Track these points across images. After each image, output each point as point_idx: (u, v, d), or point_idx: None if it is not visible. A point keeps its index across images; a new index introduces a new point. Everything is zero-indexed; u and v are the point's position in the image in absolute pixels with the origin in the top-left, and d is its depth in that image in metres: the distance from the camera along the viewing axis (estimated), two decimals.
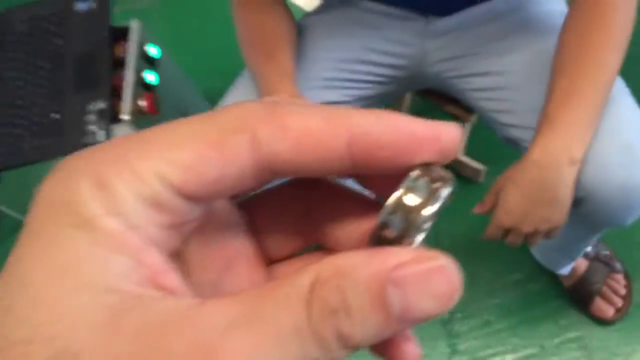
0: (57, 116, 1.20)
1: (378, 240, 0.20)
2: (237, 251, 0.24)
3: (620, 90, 0.89)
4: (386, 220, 0.19)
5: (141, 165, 0.19)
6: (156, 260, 0.19)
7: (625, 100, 0.89)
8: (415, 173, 0.20)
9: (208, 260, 0.24)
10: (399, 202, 0.19)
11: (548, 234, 0.89)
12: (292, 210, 0.25)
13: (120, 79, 1.24)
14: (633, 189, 0.85)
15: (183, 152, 0.19)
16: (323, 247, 0.25)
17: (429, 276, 0.17)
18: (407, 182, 0.20)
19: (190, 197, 0.20)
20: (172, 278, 0.19)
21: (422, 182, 0.19)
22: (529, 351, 1.33)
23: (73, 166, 0.19)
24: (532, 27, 0.99)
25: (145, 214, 0.19)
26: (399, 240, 0.19)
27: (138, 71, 1.27)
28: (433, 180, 0.20)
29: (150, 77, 1.29)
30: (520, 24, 0.99)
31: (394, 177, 0.20)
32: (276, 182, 0.23)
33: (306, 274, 0.18)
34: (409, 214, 0.19)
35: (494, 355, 1.33)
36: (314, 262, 0.18)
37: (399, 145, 0.20)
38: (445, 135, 0.20)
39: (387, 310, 0.17)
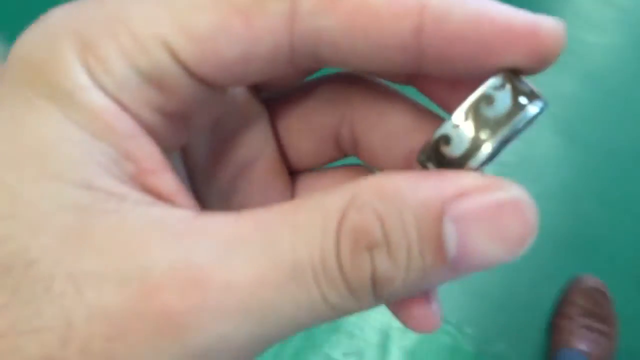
0: None
1: (432, 158, 0.16)
2: (255, 153, 0.20)
3: None
4: (450, 133, 0.15)
5: (144, 27, 0.14)
6: (148, 153, 0.15)
7: None
8: (497, 79, 0.15)
9: (218, 163, 0.20)
10: (473, 111, 0.15)
11: None
12: (325, 113, 0.20)
13: None
14: None
15: (201, 16, 0.14)
16: (362, 163, 0.21)
17: (498, 211, 0.14)
18: (485, 89, 0.15)
19: (204, 79, 0.15)
20: (165, 180, 0.15)
21: (506, 92, 0.15)
22: None
23: (57, 22, 0.15)
24: None
25: (142, 92, 0.15)
26: (461, 162, 0.15)
27: None
28: (519, 93, 0.15)
29: None
30: None
31: (468, 85, 0.16)
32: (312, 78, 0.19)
33: (338, 194, 0.14)
34: (479, 131, 0.15)
35: None
36: (349, 180, 0.15)
37: (486, 38, 0.15)
38: (545, 31, 0.15)
39: (441, 251, 0.14)
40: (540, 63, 0.15)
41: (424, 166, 0.16)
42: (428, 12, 0.15)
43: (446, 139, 0.15)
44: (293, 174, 0.22)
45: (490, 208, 0.14)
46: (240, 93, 0.19)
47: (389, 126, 0.19)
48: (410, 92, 0.20)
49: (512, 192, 0.14)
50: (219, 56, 0.15)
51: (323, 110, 0.20)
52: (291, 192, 0.22)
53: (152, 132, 0.15)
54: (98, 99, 0.14)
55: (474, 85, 0.15)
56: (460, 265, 0.14)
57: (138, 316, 0.13)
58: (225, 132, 0.20)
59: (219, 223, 0.14)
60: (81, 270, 0.13)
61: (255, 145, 0.20)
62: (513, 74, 0.15)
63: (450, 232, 0.14)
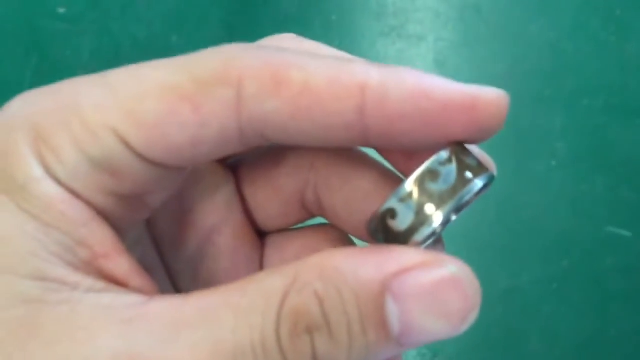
0: None
1: (380, 230, 0.16)
2: (221, 219, 0.21)
3: None
4: (395, 207, 0.15)
5: (94, 116, 0.15)
6: (101, 238, 0.16)
7: None
8: (444, 153, 0.15)
9: (185, 231, 0.20)
10: (418, 185, 0.15)
11: None
12: (290, 176, 0.21)
13: None
14: None
15: (148, 103, 0.15)
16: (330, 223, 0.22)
17: (438, 289, 0.14)
18: (430, 163, 0.15)
19: (155, 162, 0.16)
20: (119, 263, 0.16)
21: (451, 166, 0.15)
22: None
23: (15, 112, 0.16)
24: None
25: (95, 178, 0.15)
26: (406, 236, 0.15)
27: None
28: (465, 167, 0.15)
29: None
30: None
31: (422, 153, 0.16)
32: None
33: (280, 275, 0.14)
34: (423, 206, 0.15)
35: None
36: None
37: (425, 115, 0.15)
38: (484, 104, 0.15)
39: (385, 328, 0.14)
40: (481, 135, 0.16)
41: (373, 236, 0.16)
42: (368, 92, 0.15)
43: (392, 213, 0.15)
44: (262, 235, 0.22)
45: (430, 285, 0.14)
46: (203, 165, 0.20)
47: (351, 190, 0.20)
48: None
49: (452, 268, 0.14)
50: (169, 142, 0.15)
51: (288, 174, 0.21)
52: (260, 254, 0.22)
53: (106, 215, 0.16)
54: (51, 189, 0.15)
55: (429, 153, 0.15)
56: (405, 340, 0.14)
57: None
58: (189, 200, 0.20)
59: (165, 307, 0.14)
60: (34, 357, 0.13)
61: (221, 211, 0.21)
62: (460, 147, 0.16)
63: (392, 310, 0.14)
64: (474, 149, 0.17)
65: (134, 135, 0.15)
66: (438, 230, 0.15)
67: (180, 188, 0.19)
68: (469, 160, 0.16)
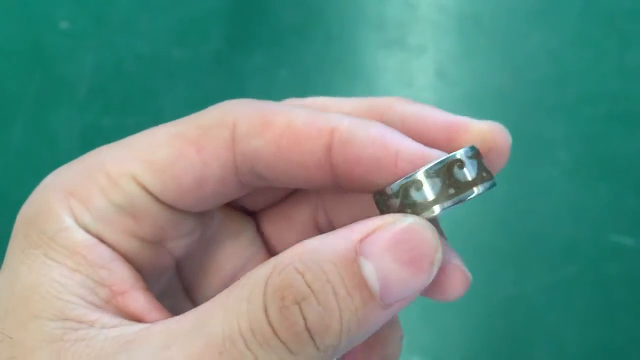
0: None
1: (380, 203, 0.18)
2: (244, 260, 0.22)
3: None
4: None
5: (116, 167, 0.18)
6: (120, 278, 0.17)
7: None
8: (432, 167, 0.17)
9: (211, 274, 0.22)
10: (403, 191, 0.17)
11: None
12: (302, 206, 0.23)
13: None
14: None
15: (160, 150, 0.18)
16: None
17: (400, 238, 0.15)
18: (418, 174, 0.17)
19: (168, 204, 0.18)
20: (136, 299, 0.18)
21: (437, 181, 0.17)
22: None
23: (48, 181, 0.18)
24: None
25: (118, 222, 0.18)
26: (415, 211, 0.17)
27: None
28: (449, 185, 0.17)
29: None
30: None
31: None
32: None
33: (262, 267, 0.15)
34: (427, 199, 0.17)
35: None
36: None
37: (378, 161, 0.17)
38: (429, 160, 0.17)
39: (367, 288, 0.15)
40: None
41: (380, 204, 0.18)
42: (336, 134, 0.17)
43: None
44: None
45: (393, 237, 0.15)
46: (221, 212, 0.22)
47: (356, 210, 0.21)
48: None
49: (408, 220, 0.16)
50: (178, 182, 0.18)
51: (298, 203, 0.23)
52: None
53: (130, 258, 0.18)
54: (77, 236, 0.17)
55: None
56: (387, 298, 0.15)
57: None
58: (213, 247, 0.22)
59: (165, 324, 0.16)
60: None
61: (244, 252, 0.22)
62: (471, 155, 0.17)
63: (368, 269, 0.15)
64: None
65: (150, 179, 0.18)
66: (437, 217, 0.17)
67: (204, 238, 0.21)
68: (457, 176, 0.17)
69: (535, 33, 0.58)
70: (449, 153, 0.17)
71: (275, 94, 0.56)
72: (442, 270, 0.17)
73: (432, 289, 0.18)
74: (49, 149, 0.52)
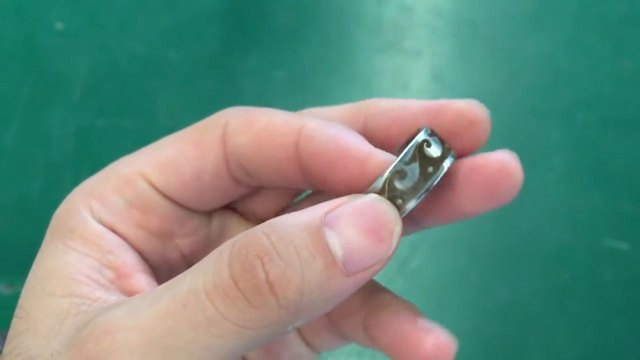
0: None
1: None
2: None
3: None
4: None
5: (128, 168, 0.21)
6: (124, 262, 0.20)
7: None
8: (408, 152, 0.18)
9: None
10: (388, 184, 0.18)
11: None
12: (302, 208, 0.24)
13: None
14: None
15: (166, 149, 0.21)
16: None
17: (363, 210, 0.17)
18: (396, 165, 0.18)
19: (176, 200, 0.21)
20: (138, 280, 0.20)
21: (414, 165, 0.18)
22: None
23: (77, 188, 0.21)
24: None
25: (128, 215, 0.20)
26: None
27: None
28: (426, 164, 0.18)
29: None
30: None
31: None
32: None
33: (229, 239, 0.17)
34: (395, 199, 0.18)
35: None
36: None
37: (330, 159, 0.19)
38: (373, 163, 0.18)
39: (330, 254, 0.16)
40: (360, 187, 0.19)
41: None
42: (303, 131, 0.19)
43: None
44: None
45: (356, 209, 0.17)
46: (228, 219, 0.23)
47: None
48: None
49: (371, 196, 0.17)
50: (179, 175, 0.20)
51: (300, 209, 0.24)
52: None
53: (137, 245, 0.21)
54: (92, 227, 0.20)
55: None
56: (350, 266, 0.16)
57: None
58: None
59: (148, 292, 0.17)
60: (53, 349, 0.17)
61: None
62: (426, 139, 0.18)
63: (332, 237, 0.16)
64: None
65: (156, 176, 0.20)
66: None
67: (211, 240, 0.23)
68: (430, 152, 0.18)
69: (530, 38, 0.58)
70: (398, 152, 0.18)
71: (270, 96, 0.56)
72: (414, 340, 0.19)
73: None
74: (43, 150, 0.52)
